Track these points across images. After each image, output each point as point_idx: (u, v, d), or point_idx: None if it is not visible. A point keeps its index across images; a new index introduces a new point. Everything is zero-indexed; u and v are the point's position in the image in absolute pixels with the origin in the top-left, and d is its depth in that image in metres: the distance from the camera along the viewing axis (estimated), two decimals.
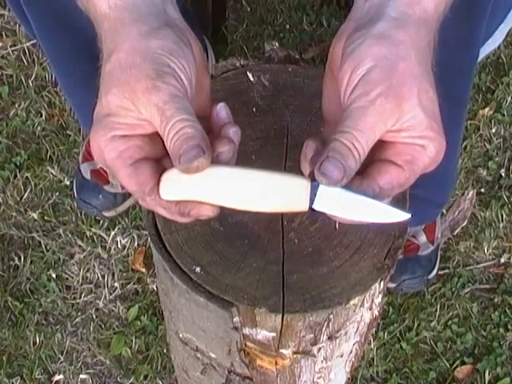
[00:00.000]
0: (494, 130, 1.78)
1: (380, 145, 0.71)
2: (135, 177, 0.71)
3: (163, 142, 0.70)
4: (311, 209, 0.71)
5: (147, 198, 0.72)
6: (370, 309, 0.94)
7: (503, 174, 1.74)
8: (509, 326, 1.60)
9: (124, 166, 0.71)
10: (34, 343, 1.57)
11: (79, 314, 1.61)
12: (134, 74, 0.69)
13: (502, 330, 1.60)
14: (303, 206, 0.71)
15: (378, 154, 0.71)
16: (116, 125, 0.70)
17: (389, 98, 0.68)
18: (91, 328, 1.59)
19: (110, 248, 1.66)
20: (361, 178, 0.71)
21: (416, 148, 0.70)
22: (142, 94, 0.69)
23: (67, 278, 1.63)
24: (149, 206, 0.74)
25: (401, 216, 0.72)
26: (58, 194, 1.70)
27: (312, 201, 0.71)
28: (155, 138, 0.71)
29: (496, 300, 1.63)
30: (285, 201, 0.71)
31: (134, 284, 1.63)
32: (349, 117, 0.69)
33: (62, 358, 1.57)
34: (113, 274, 1.64)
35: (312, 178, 0.70)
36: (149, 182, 0.71)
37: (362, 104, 0.68)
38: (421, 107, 0.69)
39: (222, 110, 0.74)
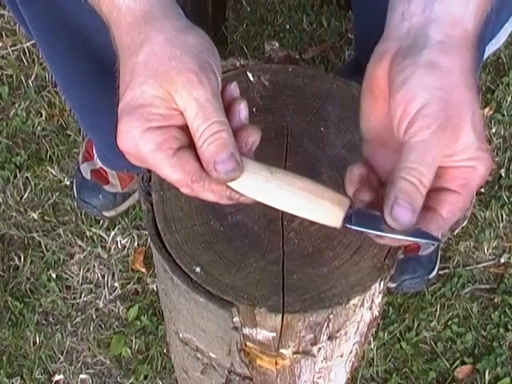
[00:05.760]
0: (494, 130, 1.78)
1: None
2: (180, 167, 0.71)
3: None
4: (344, 226, 0.74)
5: (195, 185, 0.72)
6: (370, 309, 0.94)
7: (503, 174, 1.74)
8: (509, 326, 1.60)
9: (166, 157, 0.70)
10: (34, 343, 1.57)
11: (79, 314, 1.61)
12: (174, 65, 0.70)
13: (502, 329, 1.60)
14: (336, 224, 0.74)
15: (432, 183, 0.72)
16: (151, 115, 0.70)
17: (447, 129, 0.69)
18: (91, 328, 1.59)
19: (110, 248, 1.65)
20: (423, 212, 0.71)
21: (467, 170, 0.71)
22: (183, 86, 0.69)
23: (67, 278, 1.63)
24: (195, 193, 0.73)
25: (433, 239, 0.73)
26: (58, 194, 1.70)
27: (346, 220, 0.73)
28: (186, 129, 0.72)
29: (496, 300, 1.63)
30: (320, 214, 0.74)
31: (133, 284, 1.63)
32: (412, 151, 0.69)
33: (61, 358, 1.57)
34: (113, 274, 1.64)
35: (351, 202, 0.74)
36: (195, 170, 0.71)
37: (423, 138, 0.69)
38: (473, 131, 0.70)
39: (235, 89, 0.75)
